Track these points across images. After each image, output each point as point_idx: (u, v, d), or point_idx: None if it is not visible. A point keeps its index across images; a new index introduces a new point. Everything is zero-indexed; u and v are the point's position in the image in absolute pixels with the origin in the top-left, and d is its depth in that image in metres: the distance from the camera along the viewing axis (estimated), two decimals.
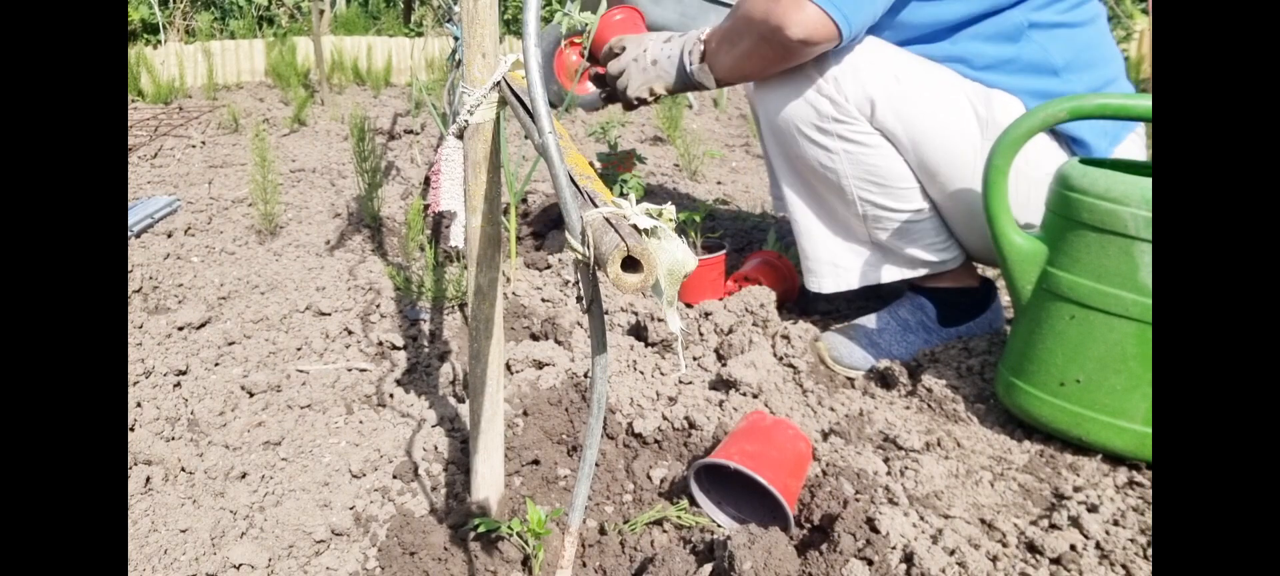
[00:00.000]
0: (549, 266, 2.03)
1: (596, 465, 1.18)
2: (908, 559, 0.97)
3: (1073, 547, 1.03)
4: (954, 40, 1.47)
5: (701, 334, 1.62)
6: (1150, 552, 1.02)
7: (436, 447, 1.26)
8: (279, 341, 1.61)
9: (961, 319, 1.62)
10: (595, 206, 0.58)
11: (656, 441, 1.28)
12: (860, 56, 1.44)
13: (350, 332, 1.66)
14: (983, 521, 1.11)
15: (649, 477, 1.20)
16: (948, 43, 1.48)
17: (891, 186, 1.48)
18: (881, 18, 1.46)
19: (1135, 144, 1.53)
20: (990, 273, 1.76)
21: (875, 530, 1.00)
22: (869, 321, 1.60)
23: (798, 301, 1.82)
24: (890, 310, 1.62)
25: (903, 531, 1.01)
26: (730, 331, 1.62)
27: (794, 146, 1.51)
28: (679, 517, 1.10)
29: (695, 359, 1.55)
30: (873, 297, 1.85)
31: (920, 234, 1.52)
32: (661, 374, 1.49)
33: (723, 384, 1.43)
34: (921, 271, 1.57)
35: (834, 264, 1.60)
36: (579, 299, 1.77)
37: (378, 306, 1.78)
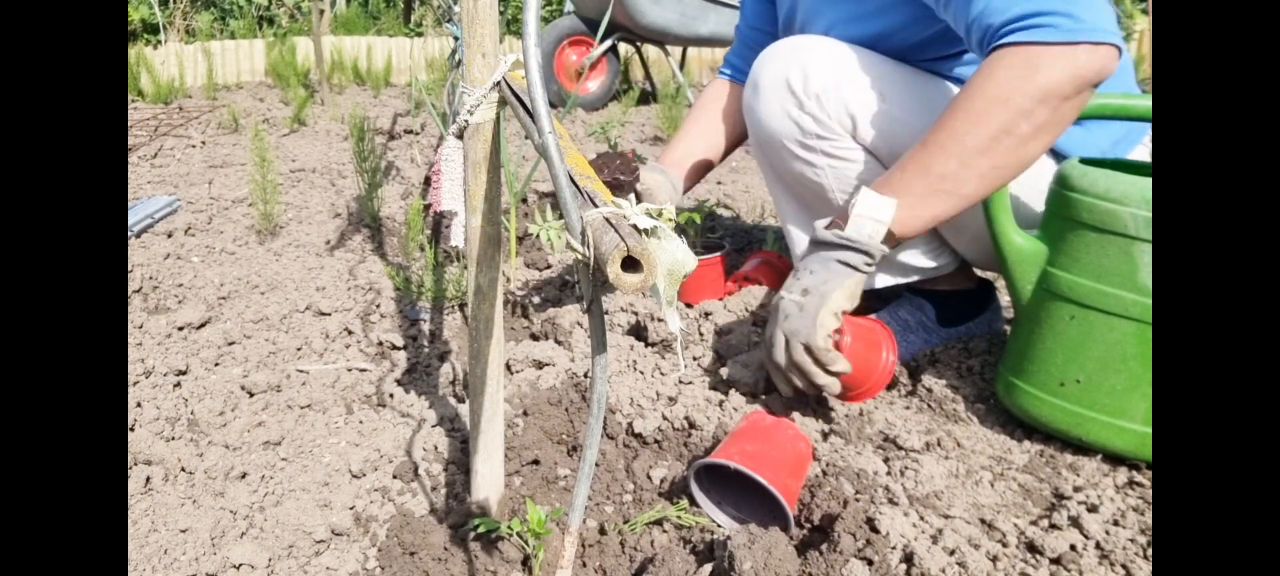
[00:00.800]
0: (549, 266, 2.03)
1: (596, 465, 1.18)
2: (908, 559, 0.97)
3: (1073, 547, 1.03)
4: (952, 65, 1.46)
5: (701, 334, 1.62)
6: (1150, 552, 1.02)
7: (436, 447, 1.26)
8: (279, 341, 1.61)
9: (960, 319, 1.62)
10: (595, 206, 0.58)
11: (656, 441, 1.28)
12: (843, 72, 1.43)
13: (350, 332, 1.66)
14: (983, 521, 1.11)
15: (649, 477, 1.20)
16: (944, 67, 1.47)
17: None
18: (880, 46, 1.46)
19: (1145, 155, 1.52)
20: (988, 273, 1.76)
21: (875, 530, 1.00)
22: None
23: None
24: (889, 311, 1.62)
25: (903, 531, 1.01)
26: (730, 331, 1.62)
27: (780, 160, 1.52)
28: (679, 517, 1.10)
29: (695, 359, 1.55)
30: (872, 297, 1.85)
31: (912, 242, 1.52)
32: (661, 374, 1.49)
33: (723, 384, 1.43)
34: (915, 277, 1.57)
35: None
36: (579, 299, 1.77)
37: (378, 306, 1.78)
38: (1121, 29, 4.78)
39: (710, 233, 2.21)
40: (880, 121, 1.42)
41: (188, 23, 5.28)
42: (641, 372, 1.48)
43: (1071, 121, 1.18)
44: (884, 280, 1.57)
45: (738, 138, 1.83)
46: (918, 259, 1.53)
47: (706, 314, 1.66)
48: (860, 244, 1.23)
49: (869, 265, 1.25)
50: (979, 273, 1.68)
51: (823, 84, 1.42)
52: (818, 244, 1.28)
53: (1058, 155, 1.45)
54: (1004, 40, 1.16)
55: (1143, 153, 1.51)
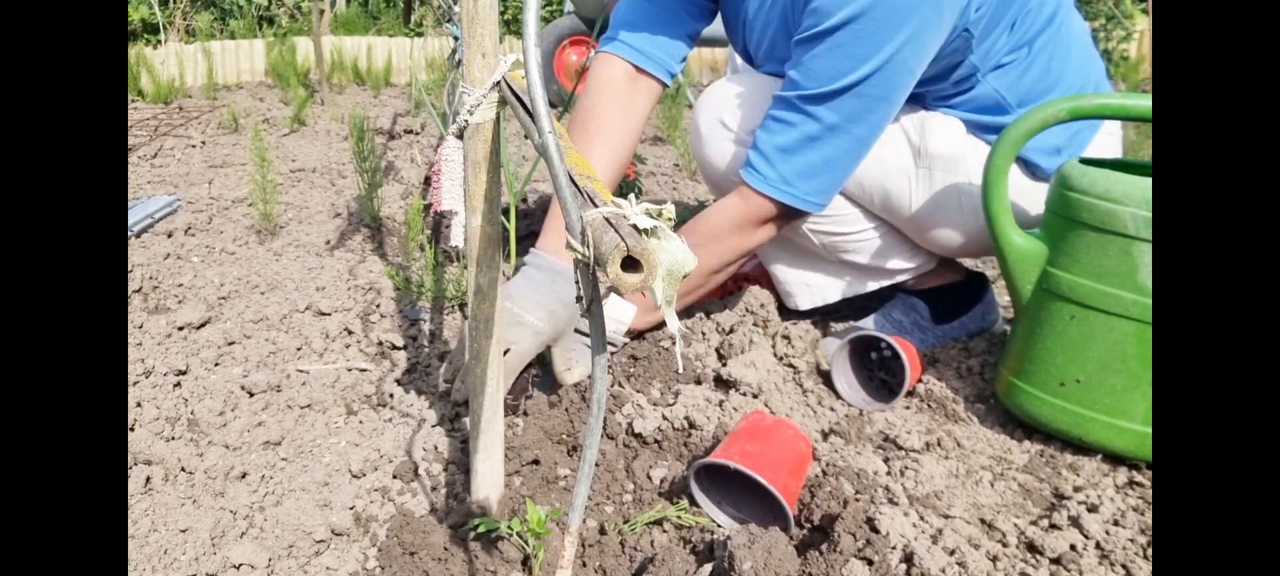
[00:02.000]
0: None
1: (596, 465, 1.18)
2: (908, 559, 0.97)
3: (1073, 547, 1.03)
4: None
5: (702, 334, 1.62)
6: (1150, 552, 1.02)
7: (436, 447, 1.26)
8: (279, 341, 1.61)
9: (954, 314, 1.62)
10: (595, 206, 0.58)
11: (656, 441, 1.27)
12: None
13: (350, 332, 1.66)
14: (983, 521, 1.11)
15: (649, 477, 1.20)
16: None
17: (836, 215, 1.50)
18: None
19: (1106, 144, 1.50)
20: (989, 272, 1.76)
21: (875, 530, 1.00)
22: (865, 325, 1.61)
23: None
24: (883, 313, 1.62)
25: (903, 531, 1.00)
26: (731, 331, 1.62)
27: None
28: (679, 517, 1.10)
29: (696, 358, 1.55)
30: (868, 295, 1.85)
31: (883, 247, 1.54)
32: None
33: (723, 384, 1.42)
34: (897, 279, 1.58)
35: (806, 285, 1.62)
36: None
37: (378, 306, 1.78)
38: (1121, 29, 4.77)
39: None
40: None
41: (188, 23, 5.28)
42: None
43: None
44: (866, 285, 1.59)
45: (640, 134, 1.66)
46: (892, 263, 1.55)
47: (707, 314, 1.66)
48: None
49: (611, 350, 1.47)
50: (970, 265, 1.68)
51: (755, 120, 1.44)
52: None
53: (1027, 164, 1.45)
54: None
55: (1104, 142, 1.50)
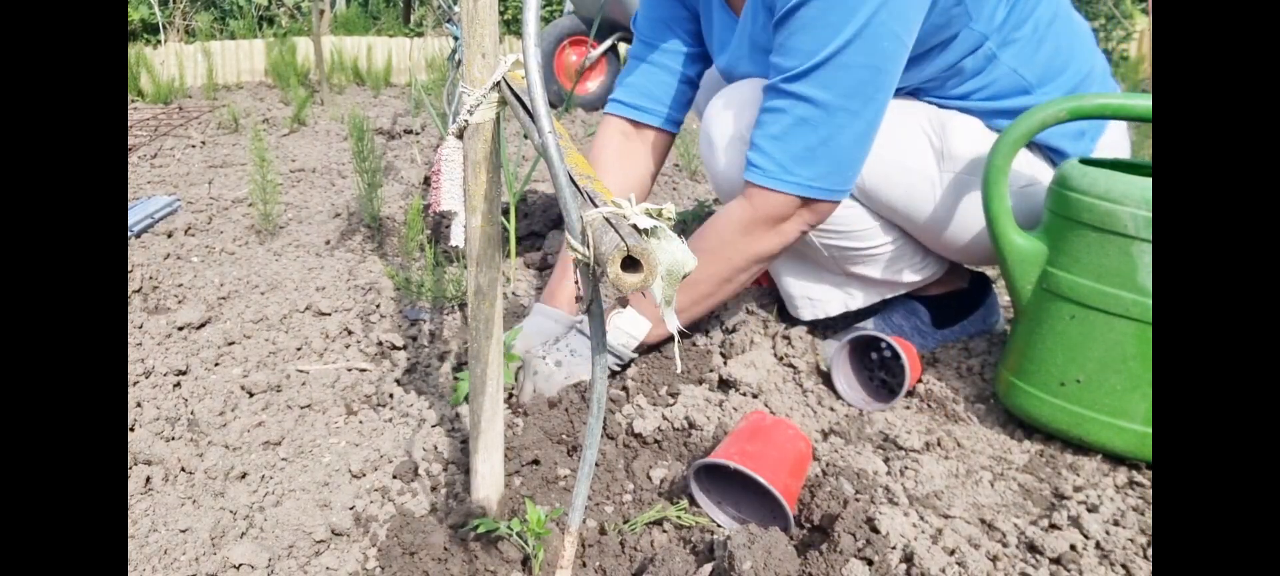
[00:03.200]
0: (549, 266, 2.03)
1: (596, 465, 1.18)
2: (908, 558, 0.97)
3: (1073, 547, 1.03)
4: (924, 85, 1.44)
5: (705, 331, 1.62)
6: (1150, 552, 1.02)
7: (436, 447, 1.26)
8: (279, 341, 1.61)
9: (956, 318, 1.62)
10: (595, 206, 0.58)
11: (656, 441, 1.27)
12: None
13: (350, 332, 1.66)
14: (983, 521, 1.11)
15: (649, 477, 1.20)
16: (918, 90, 1.45)
17: (849, 230, 1.46)
18: None
19: (1117, 137, 1.50)
20: (989, 272, 1.76)
21: (875, 530, 1.00)
22: (864, 328, 1.60)
23: None
24: (883, 316, 1.62)
25: (903, 531, 1.01)
26: (731, 331, 1.62)
27: None
28: (679, 517, 1.10)
29: (699, 354, 1.55)
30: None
31: (892, 261, 1.51)
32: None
33: (723, 384, 1.42)
34: (901, 291, 1.56)
35: (809, 298, 1.58)
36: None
37: (378, 306, 1.78)
38: (1121, 29, 4.77)
39: None
40: None
41: (188, 23, 5.28)
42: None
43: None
44: (869, 298, 1.57)
45: (649, 185, 1.73)
46: (899, 276, 1.52)
47: (709, 313, 1.66)
48: (612, 349, 1.44)
49: (619, 364, 1.46)
50: (973, 268, 1.68)
51: None
52: (581, 331, 1.46)
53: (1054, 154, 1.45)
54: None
55: (1116, 136, 1.49)
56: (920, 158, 1.41)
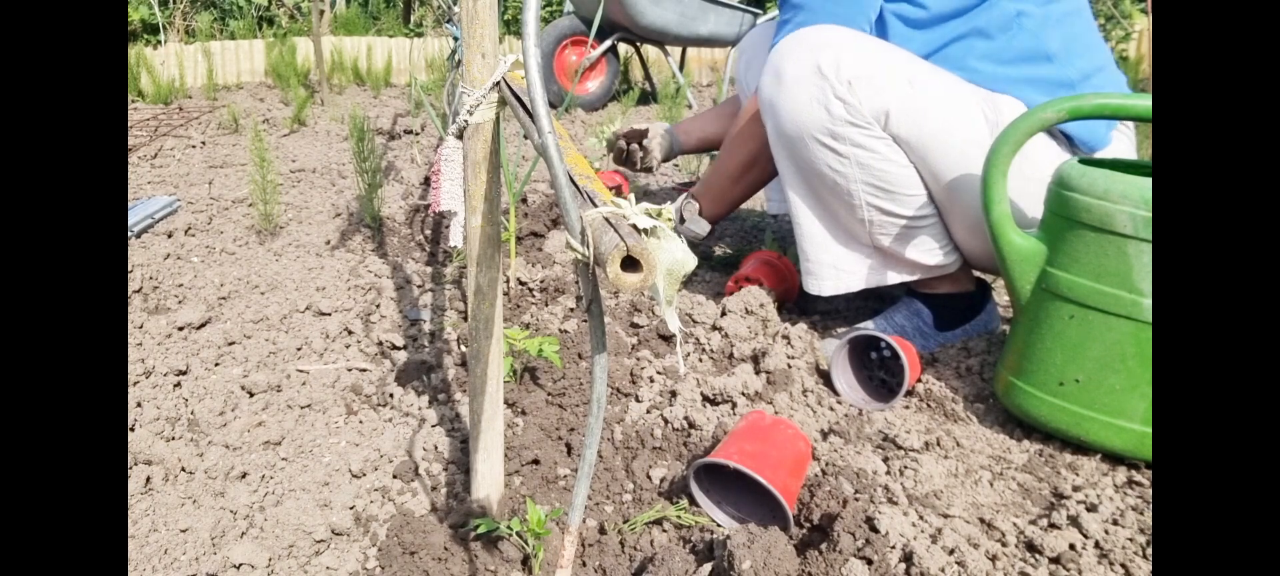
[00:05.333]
0: (554, 263, 2.03)
1: (596, 465, 1.18)
2: (907, 558, 0.97)
3: (1072, 547, 1.03)
4: (949, 42, 1.50)
5: (705, 332, 1.62)
6: (1150, 552, 1.02)
7: (436, 447, 1.27)
8: (279, 341, 1.61)
9: (957, 322, 1.62)
10: (595, 206, 0.58)
11: (656, 441, 1.28)
12: (875, 63, 1.43)
13: (350, 332, 1.66)
14: (982, 521, 1.11)
15: (649, 477, 1.20)
16: (943, 49, 1.51)
17: (898, 192, 1.47)
18: (876, 30, 1.53)
19: (1127, 134, 1.55)
20: (987, 276, 1.76)
21: (875, 529, 1.01)
22: (865, 328, 1.60)
23: (797, 301, 1.82)
24: (886, 316, 1.62)
25: (902, 531, 1.01)
26: (731, 331, 1.62)
27: (804, 151, 1.49)
28: (679, 517, 1.10)
29: (707, 355, 1.55)
30: (871, 297, 1.85)
31: (921, 238, 1.52)
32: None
33: (722, 384, 1.42)
34: (920, 275, 1.57)
35: (835, 267, 1.58)
36: (579, 298, 1.77)
37: (378, 306, 1.78)
38: (1121, 29, 4.77)
39: (709, 234, 2.20)
40: (913, 113, 1.42)
41: (188, 23, 5.28)
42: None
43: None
44: (891, 277, 1.56)
45: None
46: (924, 256, 1.53)
47: (709, 314, 1.66)
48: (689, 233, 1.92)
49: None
50: (977, 274, 1.68)
51: (855, 71, 1.41)
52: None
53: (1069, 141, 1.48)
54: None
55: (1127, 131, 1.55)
56: (975, 128, 1.45)
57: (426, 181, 2.77)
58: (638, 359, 1.52)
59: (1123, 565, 1.01)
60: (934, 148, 1.44)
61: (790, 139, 1.50)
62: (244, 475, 1.21)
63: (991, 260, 1.51)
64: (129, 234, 2.13)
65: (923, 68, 1.47)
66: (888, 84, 1.42)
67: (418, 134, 3.52)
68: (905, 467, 1.19)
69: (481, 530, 1.02)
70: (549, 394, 1.40)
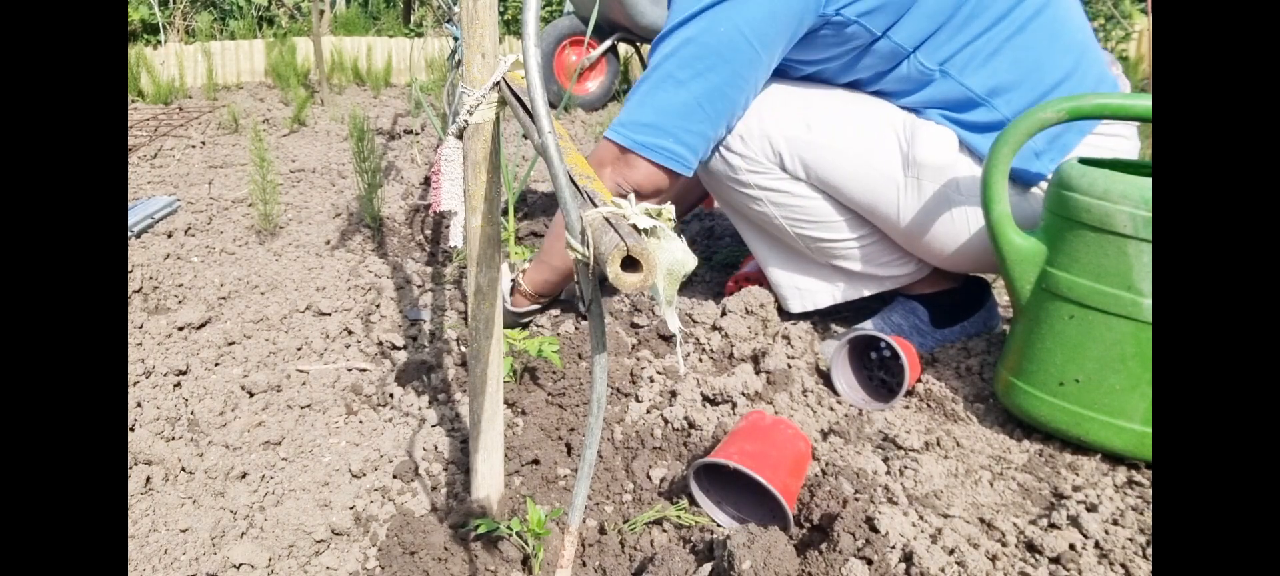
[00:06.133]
0: None
1: (596, 465, 1.18)
2: (907, 558, 0.97)
3: (1072, 547, 1.03)
4: (867, 86, 1.47)
5: (705, 332, 1.62)
6: (1150, 552, 1.02)
7: (436, 447, 1.27)
8: (279, 341, 1.61)
9: (954, 318, 1.62)
10: (595, 206, 0.58)
11: (656, 441, 1.28)
12: (764, 108, 1.43)
13: (350, 332, 1.66)
14: (982, 521, 1.11)
15: (649, 477, 1.20)
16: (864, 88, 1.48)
17: (824, 221, 1.50)
18: (796, 72, 1.48)
19: (1121, 150, 1.46)
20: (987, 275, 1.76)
21: (875, 529, 1.01)
22: (865, 326, 1.61)
23: None
24: (883, 316, 1.62)
25: (902, 531, 1.01)
26: (731, 332, 1.62)
27: (727, 197, 1.55)
28: (679, 517, 1.10)
29: (707, 354, 1.55)
30: (870, 297, 1.84)
31: (872, 254, 1.54)
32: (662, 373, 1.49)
33: (721, 384, 1.42)
34: (888, 286, 1.58)
35: (797, 288, 1.62)
36: (578, 298, 1.77)
37: (378, 306, 1.78)
38: (1121, 29, 4.76)
39: (709, 234, 2.20)
40: (807, 152, 1.43)
41: (188, 23, 5.27)
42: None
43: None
44: (855, 292, 1.59)
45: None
46: (882, 270, 1.56)
47: (709, 314, 1.66)
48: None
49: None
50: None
51: (745, 123, 1.44)
52: None
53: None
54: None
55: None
56: (886, 158, 1.43)
57: (426, 181, 2.77)
58: (638, 359, 1.52)
59: (1123, 565, 1.01)
60: (838, 187, 1.45)
61: (711, 182, 1.56)
62: (244, 475, 1.21)
63: (959, 261, 1.51)
64: (129, 234, 2.13)
65: (828, 105, 1.44)
66: (778, 130, 1.43)
67: (418, 134, 3.52)
68: (905, 467, 1.19)
69: (481, 530, 1.02)
70: (549, 394, 1.40)
